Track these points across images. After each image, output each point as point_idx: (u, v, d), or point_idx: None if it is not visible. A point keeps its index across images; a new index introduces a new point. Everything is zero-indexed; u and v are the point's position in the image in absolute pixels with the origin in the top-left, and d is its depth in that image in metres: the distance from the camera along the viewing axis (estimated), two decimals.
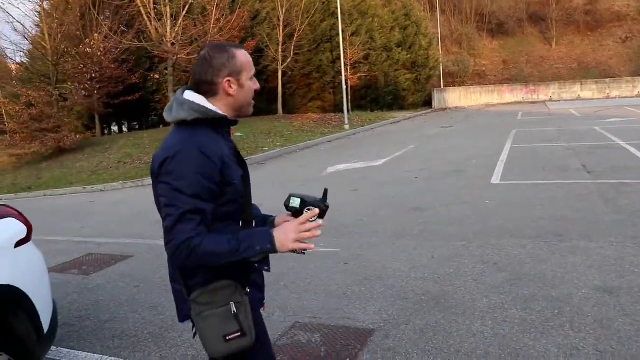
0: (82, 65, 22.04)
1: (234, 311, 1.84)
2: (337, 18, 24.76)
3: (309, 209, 1.94)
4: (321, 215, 1.95)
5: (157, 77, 27.16)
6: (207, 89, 1.93)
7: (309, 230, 1.82)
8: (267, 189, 10.21)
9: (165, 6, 19.48)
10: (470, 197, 8.07)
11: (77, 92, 22.28)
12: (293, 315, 4.19)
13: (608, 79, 40.61)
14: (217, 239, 1.77)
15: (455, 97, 41.23)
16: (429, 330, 3.78)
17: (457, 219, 6.87)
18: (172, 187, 1.78)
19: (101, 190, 13.06)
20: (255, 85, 2.01)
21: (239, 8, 22.71)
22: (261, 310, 2.08)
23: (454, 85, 43.52)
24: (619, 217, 6.45)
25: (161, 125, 27.73)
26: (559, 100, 38.75)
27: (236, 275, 1.89)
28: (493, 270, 4.89)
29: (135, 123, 31.65)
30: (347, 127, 23.09)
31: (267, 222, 2.11)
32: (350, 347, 3.59)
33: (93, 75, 22.21)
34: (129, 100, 23.45)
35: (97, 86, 22.60)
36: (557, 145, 13.59)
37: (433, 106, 39.90)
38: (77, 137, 20.34)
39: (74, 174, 15.89)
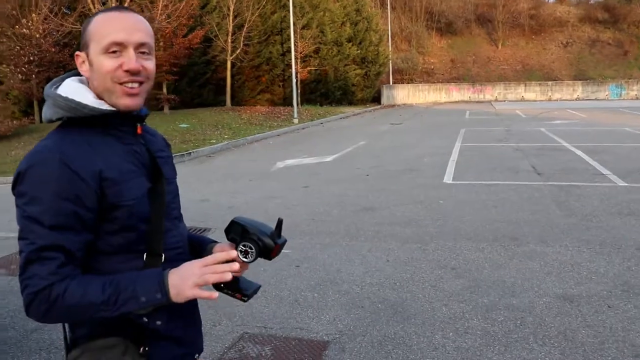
0: (18, 47, 20.83)
1: None
2: (289, 10, 24.36)
3: (246, 245, 1.42)
4: (271, 254, 1.46)
5: None
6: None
7: (220, 272, 1.29)
8: (215, 184, 9.81)
9: None
10: (423, 197, 7.92)
11: (13, 76, 21.06)
12: (241, 325, 3.87)
13: (550, 82, 41.85)
14: (87, 286, 1.25)
15: (403, 94, 41.53)
16: (387, 342, 3.53)
17: (411, 219, 6.69)
18: (25, 213, 1.26)
19: None
20: (127, 64, 1.33)
21: None
22: None
23: (402, 82, 43.81)
24: (571, 220, 6.42)
25: None
26: (504, 101, 39.64)
27: (125, 328, 1.35)
28: (451, 276, 4.71)
29: None
30: (296, 120, 22.77)
31: (205, 249, 1.58)
32: None
33: (31, 58, 21.01)
34: None
35: (36, 70, 21.42)
36: (506, 145, 13.71)
37: (382, 102, 40.05)
38: (13, 123, 19.22)
39: (8, 163, 14.92)
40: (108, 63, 1.32)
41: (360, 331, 3.71)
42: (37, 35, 20.84)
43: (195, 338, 1.56)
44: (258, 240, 1.43)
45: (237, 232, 1.46)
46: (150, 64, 1.38)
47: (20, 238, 1.27)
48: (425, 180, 9.29)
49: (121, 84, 1.33)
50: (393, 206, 7.41)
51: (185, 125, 18.93)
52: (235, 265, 1.31)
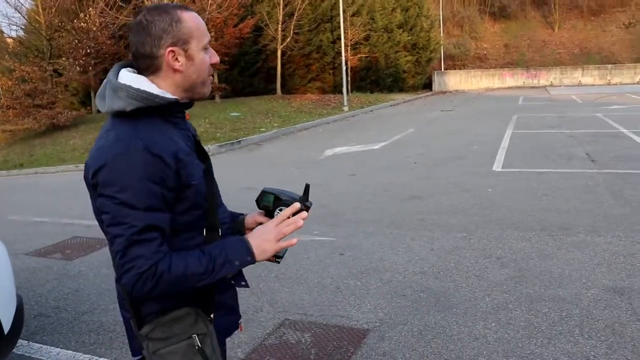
0: (77, 41, 21.56)
1: (197, 345, 1.47)
2: None
3: (279, 210, 1.64)
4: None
5: None
6: (147, 65, 1.48)
7: (292, 224, 1.49)
8: (262, 172, 9.93)
9: None
10: (471, 185, 7.79)
11: (72, 68, 21.83)
12: (283, 312, 3.93)
13: (610, 65, 40.14)
14: (186, 259, 1.40)
15: (455, 80, 40.76)
16: (427, 332, 3.52)
17: (457, 208, 6.60)
18: (116, 201, 1.35)
19: None
20: (213, 58, 1.55)
21: None
22: (237, 331, 1.78)
23: (454, 69, 43.00)
24: (626, 209, 6.19)
25: None
26: (560, 86, 38.35)
27: (197, 300, 1.51)
28: (496, 266, 4.63)
29: None
30: (345, 108, 22.72)
31: (236, 222, 1.76)
32: (342, 350, 3.33)
33: (89, 50, 21.73)
34: None
35: (93, 62, 22.15)
36: (559, 132, 13.29)
37: (433, 89, 39.45)
38: (72, 113, 19.98)
39: (67, 152, 15.56)
40: (207, 58, 1.52)
41: (400, 320, 3.71)
42: (94, 29, 21.52)
43: (237, 307, 1.76)
44: (289, 204, 1.58)
45: (269, 200, 1.67)
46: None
47: (114, 224, 1.36)
48: (473, 168, 9.13)
49: (209, 76, 1.56)
50: (439, 194, 7.33)
51: (236, 114, 19.20)
52: (304, 214, 1.50)
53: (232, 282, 1.63)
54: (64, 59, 22.56)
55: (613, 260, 4.65)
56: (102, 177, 1.37)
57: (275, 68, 26.86)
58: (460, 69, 43.07)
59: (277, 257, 1.60)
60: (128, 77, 1.47)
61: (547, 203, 6.62)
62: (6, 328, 2.77)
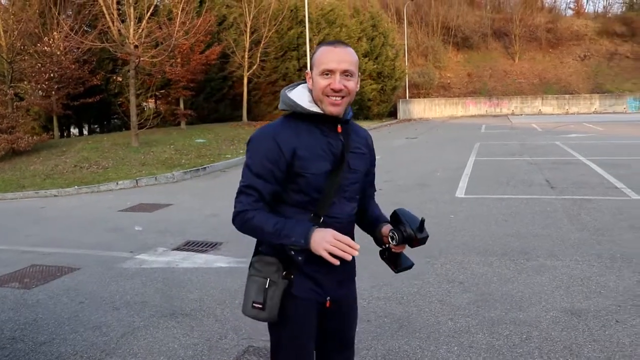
0: (40, 65, 21.25)
1: (266, 286, 1.97)
2: (305, 26, 24.61)
3: (393, 232, 2.00)
4: (413, 243, 1.96)
5: (120, 79, 26.44)
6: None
7: (341, 249, 1.83)
8: (226, 199, 9.89)
9: (129, 7, 18.98)
10: (435, 212, 7.92)
11: (34, 92, 21.48)
12: (247, 338, 3.91)
13: (567, 95, 41.55)
14: (266, 218, 1.93)
15: (420, 109, 41.50)
16: (391, 356, 3.55)
17: None
18: (245, 163, 2.02)
19: (55, 196, 12.48)
20: (331, 83, 1.95)
21: (206, 12, 22.30)
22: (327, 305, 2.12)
23: (419, 97, 43.78)
24: (583, 234, 6.38)
25: (123, 129, 27.01)
26: (521, 114, 39.42)
27: (285, 259, 1.98)
28: (458, 290, 4.71)
29: (96, 126, 30.75)
30: None
31: (377, 227, 2.18)
32: None
33: (52, 75, 21.41)
34: (90, 102, 22.73)
35: (56, 86, 21.82)
36: (520, 159, 13.64)
37: (398, 117, 40.04)
38: (33, 138, 19.53)
39: (27, 177, 15.20)
40: (322, 82, 1.96)
41: (364, 345, 3.73)
42: (58, 53, 21.26)
43: (330, 287, 2.09)
44: (403, 231, 1.97)
45: (394, 220, 2.04)
46: (351, 84, 1.99)
47: (242, 175, 2.02)
48: (437, 194, 9.29)
49: (328, 96, 1.96)
50: None
51: (201, 140, 19.12)
52: (354, 252, 1.84)
53: (292, 252, 1.93)
54: (25, 82, 22.18)
55: (571, 283, 4.78)
56: (247, 145, 2.04)
57: (241, 95, 26.93)
58: (424, 97, 43.88)
59: (395, 267, 2.10)
60: (297, 90, 2.08)
61: (508, 228, 6.77)
62: None
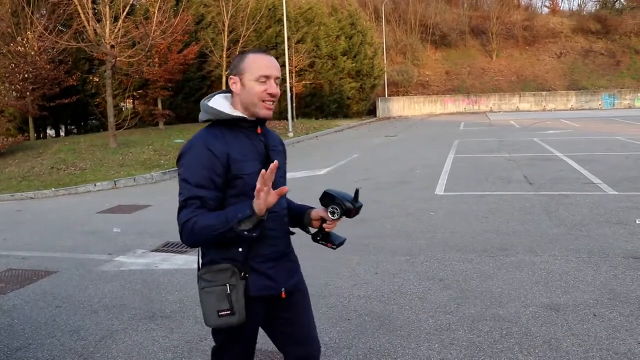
0: (13, 65, 20.87)
1: (227, 292, 2.01)
2: (283, 25, 24.55)
3: (333, 207, 2.15)
4: (351, 214, 2.14)
5: (97, 79, 26.11)
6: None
7: (268, 179, 1.88)
8: None
9: (104, 6, 18.74)
10: (414, 209, 7.95)
11: (8, 93, 21.11)
12: None
13: (544, 92, 42.09)
14: (209, 216, 1.95)
15: (399, 107, 41.71)
16: (372, 355, 3.54)
17: (401, 232, 6.71)
18: (180, 177, 2.03)
19: (31, 198, 12.29)
20: (267, 89, 2.07)
21: (183, 12, 22.11)
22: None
23: (397, 95, 44.01)
24: (561, 230, 6.45)
25: (101, 130, 26.68)
26: (499, 111, 39.83)
27: (236, 262, 2.05)
28: (439, 288, 4.72)
29: (73, 127, 30.33)
30: (291, 134, 22.83)
31: (305, 214, 2.29)
32: None
33: (26, 75, 21.05)
34: (66, 103, 22.42)
35: (31, 87, 21.46)
36: (499, 156, 13.76)
37: (377, 115, 40.20)
38: (8, 140, 19.21)
39: (2, 180, 14.93)
40: (258, 88, 2.07)
41: (345, 344, 3.72)
42: (32, 53, 20.92)
43: (282, 279, 2.17)
44: (341, 204, 2.15)
45: (328, 199, 2.18)
46: (279, 90, 2.12)
47: (179, 193, 2.02)
48: (417, 192, 9.33)
49: (264, 101, 2.08)
50: (383, 219, 7.43)
51: (179, 140, 18.97)
52: (285, 188, 1.93)
53: (246, 232, 1.92)
54: None
55: (550, 278, 4.82)
56: (179, 160, 2.06)
57: None
58: (403, 95, 44.11)
59: (332, 244, 2.23)
60: (215, 99, 2.16)
61: (487, 225, 6.82)
62: None
